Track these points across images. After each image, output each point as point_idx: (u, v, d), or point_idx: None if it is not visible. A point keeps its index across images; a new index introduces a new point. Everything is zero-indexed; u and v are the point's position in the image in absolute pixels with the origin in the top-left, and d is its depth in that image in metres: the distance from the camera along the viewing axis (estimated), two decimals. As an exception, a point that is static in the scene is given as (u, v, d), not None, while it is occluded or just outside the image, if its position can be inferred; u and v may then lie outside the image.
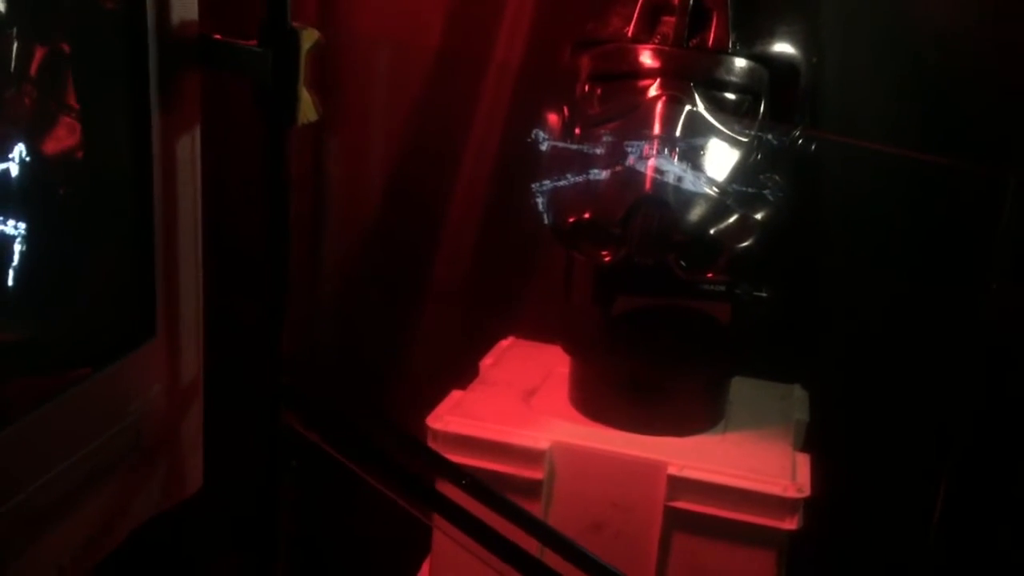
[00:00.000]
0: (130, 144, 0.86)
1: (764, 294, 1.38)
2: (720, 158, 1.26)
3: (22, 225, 0.75)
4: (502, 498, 1.04)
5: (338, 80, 1.64)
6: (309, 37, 0.89)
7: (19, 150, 0.75)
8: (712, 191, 1.24)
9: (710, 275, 1.26)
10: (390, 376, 1.75)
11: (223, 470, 1.06)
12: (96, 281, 0.86)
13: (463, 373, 1.58)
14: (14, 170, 0.74)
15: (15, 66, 0.75)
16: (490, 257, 1.75)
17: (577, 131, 1.33)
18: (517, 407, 1.46)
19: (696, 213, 1.23)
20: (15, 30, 0.74)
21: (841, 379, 1.60)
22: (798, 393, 1.57)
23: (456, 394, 1.49)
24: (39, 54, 0.77)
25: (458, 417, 1.41)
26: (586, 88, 1.33)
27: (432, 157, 1.73)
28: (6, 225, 0.73)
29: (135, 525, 0.94)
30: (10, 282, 0.74)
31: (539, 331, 1.66)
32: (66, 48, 0.81)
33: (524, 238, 1.62)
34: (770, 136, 1.30)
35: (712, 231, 1.24)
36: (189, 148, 0.91)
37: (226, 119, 1.01)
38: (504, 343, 1.69)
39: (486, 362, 1.62)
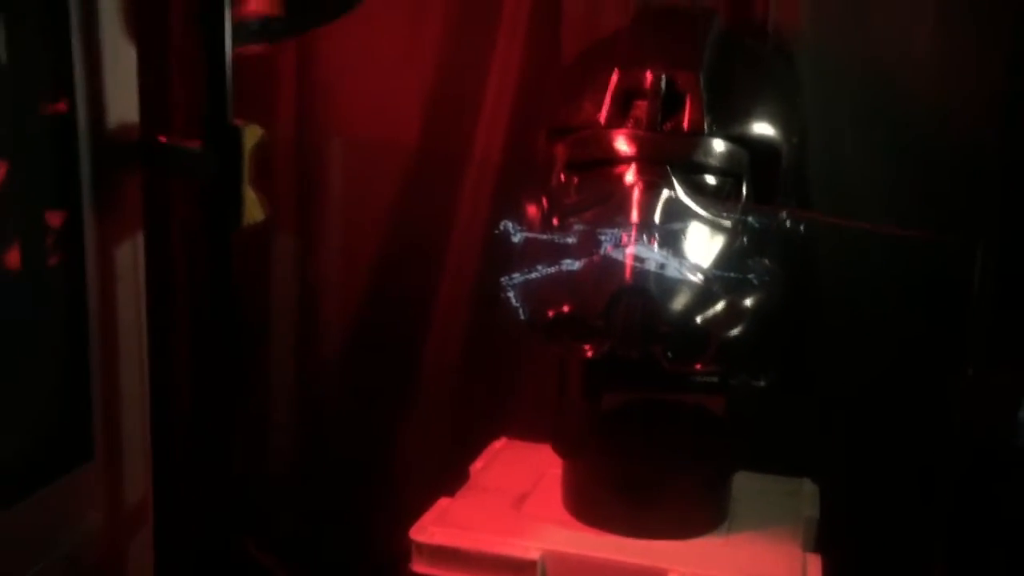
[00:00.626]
0: (63, 251, 0.81)
1: (761, 383, 1.31)
2: (703, 243, 1.21)
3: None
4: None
5: (316, 178, 1.61)
6: (252, 134, 0.85)
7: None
8: (696, 278, 1.18)
9: (699, 366, 1.20)
10: (375, 485, 1.67)
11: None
12: (22, 401, 0.80)
13: (454, 478, 1.50)
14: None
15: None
16: (480, 355, 1.69)
17: (555, 221, 1.28)
18: (508, 514, 1.38)
19: (680, 301, 1.17)
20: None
21: (848, 469, 1.52)
22: (807, 488, 1.48)
23: (443, 502, 1.41)
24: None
25: (444, 527, 1.33)
26: (562, 177, 1.29)
27: (416, 256, 1.69)
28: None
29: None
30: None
31: (533, 431, 1.59)
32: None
33: (516, 334, 1.56)
34: (754, 219, 1.25)
35: (698, 319, 1.18)
36: (131, 254, 0.86)
37: (172, 223, 0.97)
38: (496, 444, 1.62)
39: (476, 466, 1.55)
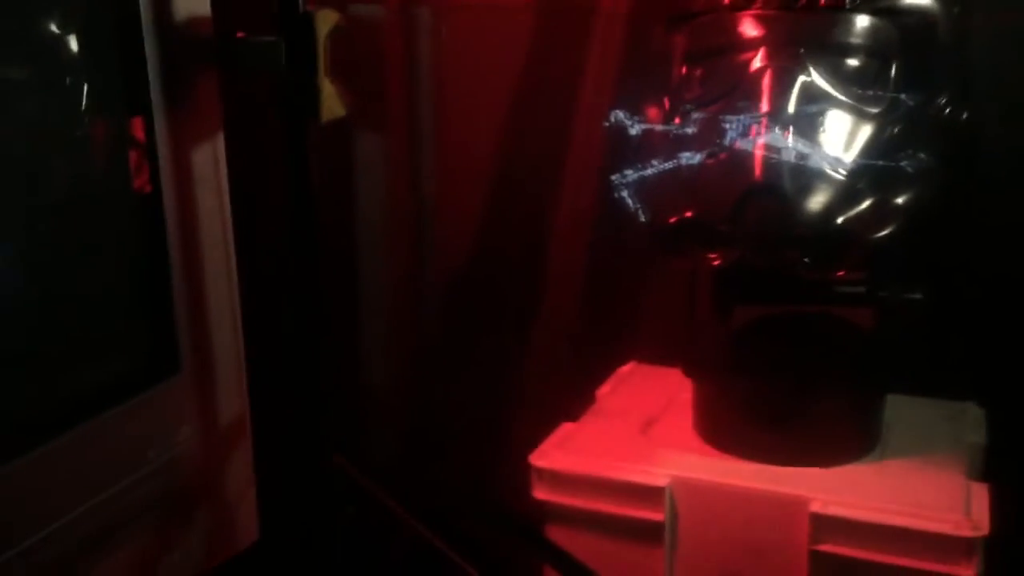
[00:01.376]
0: (138, 157, 0.77)
1: (917, 296, 1.17)
2: (844, 134, 1.07)
3: (10, 245, 0.67)
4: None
5: (430, 89, 1.49)
6: (326, 20, 0.78)
7: (9, 165, 0.67)
8: (837, 174, 1.05)
9: (842, 274, 1.07)
10: (495, 409, 1.61)
11: (281, 521, 0.95)
12: (97, 309, 0.77)
13: (577, 403, 1.42)
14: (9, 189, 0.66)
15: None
16: (605, 273, 1.58)
17: (676, 120, 1.16)
18: (634, 439, 1.30)
19: (819, 200, 1.04)
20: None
21: (1020, 393, 1.35)
22: (972, 412, 1.33)
23: (566, 427, 1.35)
24: (35, 69, 0.69)
25: (566, 453, 1.27)
26: (683, 69, 1.17)
27: (535, 170, 1.58)
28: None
29: (179, 583, 0.84)
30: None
31: (664, 354, 1.49)
32: (64, 61, 0.72)
33: (645, 246, 1.44)
34: (907, 105, 1.09)
35: (840, 220, 1.05)
36: (210, 156, 0.81)
37: (253, 121, 0.91)
38: (624, 369, 1.54)
39: (603, 390, 1.47)
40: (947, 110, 1.15)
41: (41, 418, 0.71)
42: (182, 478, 0.82)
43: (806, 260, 1.05)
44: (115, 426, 0.76)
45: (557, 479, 1.24)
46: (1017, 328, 1.38)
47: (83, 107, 0.74)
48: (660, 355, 1.51)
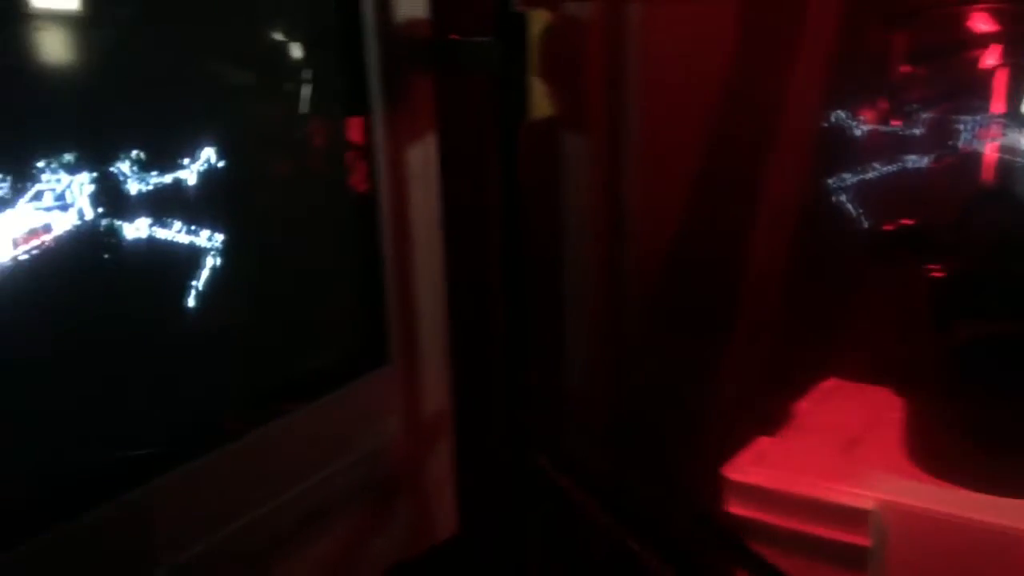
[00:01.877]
0: (355, 155, 0.80)
1: None
2: (1093, 135, 0.97)
3: (220, 237, 0.70)
4: None
5: (629, 88, 1.47)
6: (538, 20, 0.78)
7: (239, 165, 0.71)
8: (1082, 179, 0.95)
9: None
10: (685, 417, 1.57)
11: (479, 517, 0.96)
12: (313, 300, 0.81)
13: (771, 418, 1.36)
14: (231, 185, 0.70)
15: (232, 86, 0.71)
16: (809, 279, 1.51)
17: (895, 121, 1.10)
18: (836, 458, 1.23)
19: (1060, 207, 0.95)
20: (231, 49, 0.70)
21: None
22: None
23: (762, 441, 1.30)
24: (257, 68, 0.74)
25: (763, 468, 1.22)
26: (905, 66, 1.10)
27: (737, 154, 1.51)
28: (198, 237, 0.68)
29: (379, 570, 0.86)
30: (214, 295, 0.69)
31: (870, 370, 1.40)
32: (288, 60, 0.76)
33: (851, 254, 1.36)
34: None
35: (1084, 230, 0.95)
36: (422, 160, 0.84)
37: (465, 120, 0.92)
38: (825, 384, 1.46)
39: (801, 405, 1.40)
40: None
41: (261, 402, 0.74)
42: (386, 467, 0.85)
43: (1042, 274, 0.97)
44: (328, 412, 0.79)
45: (752, 493, 1.19)
46: None
47: (309, 108, 0.77)
48: (865, 372, 1.42)
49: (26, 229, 0.57)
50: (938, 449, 1.17)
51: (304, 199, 0.80)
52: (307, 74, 0.78)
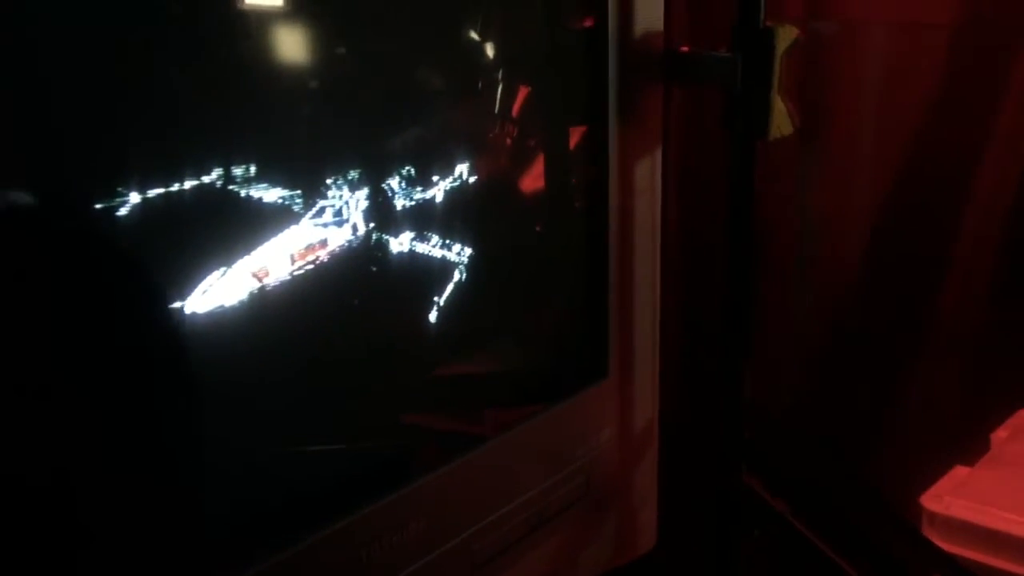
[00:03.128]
0: (586, 168, 0.80)
1: None
2: None
3: (467, 251, 0.72)
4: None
5: (825, 77, 1.41)
6: (786, 36, 0.76)
7: (474, 174, 0.72)
8: None
9: None
10: (874, 441, 1.51)
11: (678, 529, 0.95)
12: (549, 311, 0.81)
13: (966, 445, 1.30)
14: (466, 194, 0.71)
15: (468, 88, 0.72)
16: (1013, 298, 1.43)
17: None
18: (1042, 495, 1.17)
19: None
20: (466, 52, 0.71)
21: None
22: None
23: (960, 471, 1.24)
24: (493, 73, 0.74)
25: (964, 500, 1.16)
26: None
27: (939, 169, 1.44)
28: (450, 251, 0.70)
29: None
30: (464, 307, 0.71)
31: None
32: (525, 69, 0.77)
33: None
34: None
35: None
36: (648, 174, 0.83)
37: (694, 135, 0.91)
38: (1024, 412, 1.38)
39: (999, 434, 1.33)
40: None
41: (499, 414, 0.76)
42: (598, 479, 0.85)
43: None
44: (551, 424, 0.80)
45: (952, 526, 1.14)
46: None
47: (551, 123, 0.78)
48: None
49: (304, 244, 0.59)
50: None
51: (543, 215, 0.81)
52: (555, 85, 0.78)
